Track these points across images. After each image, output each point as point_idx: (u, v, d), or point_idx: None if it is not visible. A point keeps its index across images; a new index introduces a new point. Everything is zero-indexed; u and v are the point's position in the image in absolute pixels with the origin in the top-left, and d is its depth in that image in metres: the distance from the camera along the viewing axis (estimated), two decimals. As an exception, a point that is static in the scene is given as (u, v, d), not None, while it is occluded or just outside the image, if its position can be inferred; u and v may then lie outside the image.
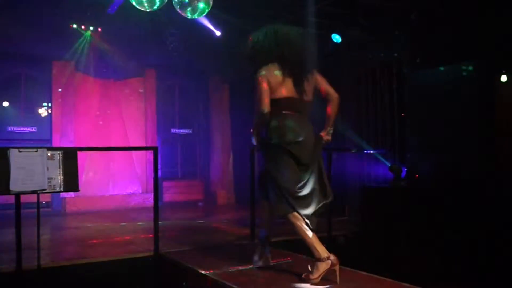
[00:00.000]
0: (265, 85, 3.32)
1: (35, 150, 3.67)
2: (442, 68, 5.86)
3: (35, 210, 3.71)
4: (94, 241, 5.27)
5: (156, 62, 9.12)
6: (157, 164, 4.45)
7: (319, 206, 3.46)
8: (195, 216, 7.53)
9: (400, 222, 5.43)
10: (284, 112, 3.37)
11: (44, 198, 7.74)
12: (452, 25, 5.66)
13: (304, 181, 3.38)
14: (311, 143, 3.44)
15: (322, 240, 5.12)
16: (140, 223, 6.69)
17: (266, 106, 3.31)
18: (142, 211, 8.10)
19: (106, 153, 8.66)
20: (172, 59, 8.22)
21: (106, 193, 8.64)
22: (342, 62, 7.27)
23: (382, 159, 6.66)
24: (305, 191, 3.38)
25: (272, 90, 3.34)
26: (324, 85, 3.53)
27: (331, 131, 3.63)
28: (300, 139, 3.35)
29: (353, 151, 6.98)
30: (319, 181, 3.45)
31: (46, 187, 3.65)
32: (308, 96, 3.48)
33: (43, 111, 8.54)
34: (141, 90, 9.30)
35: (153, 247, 4.34)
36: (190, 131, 9.84)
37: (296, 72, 3.39)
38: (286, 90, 3.36)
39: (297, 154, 3.29)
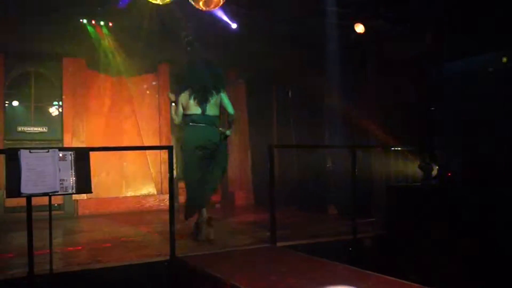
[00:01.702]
0: (180, 107, 5.36)
1: (46, 150, 3.71)
2: (474, 59, 5.75)
3: (47, 213, 3.74)
4: (108, 245, 5.33)
5: (169, 57, 9.15)
6: (172, 163, 4.46)
7: None
8: (212, 217, 7.53)
9: (430, 224, 5.35)
10: (190, 124, 5.30)
11: (56, 201, 7.84)
12: (484, 12, 5.54)
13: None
14: (210, 147, 5.27)
15: (347, 242, 5.18)
16: (155, 225, 6.72)
17: (176, 119, 5.40)
18: (157, 213, 8.15)
19: (119, 153, 8.72)
20: (186, 53, 8.23)
21: (119, 194, 8.71)
22: (365, 53, 7.20)
23: (410, 156, 6.58)
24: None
25: (184, 108, 5.34)
26: (224, 104, 5.44)
27: (229, 132, 5.51)
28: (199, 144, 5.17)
29: (378, 148, 6.90)
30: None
31: (58, 189, 3.68)
32: (212, 111, 5.33)
33: (53, 111, 8.64)
34: (154, 85, 9.35)
35: (169, 251, 4.35)
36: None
37: (198, 95, 5.29)
38: (192, 108, 5.30)
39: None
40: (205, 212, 5.34)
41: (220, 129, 5.46)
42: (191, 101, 5.28)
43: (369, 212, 6.68)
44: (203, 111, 5.28)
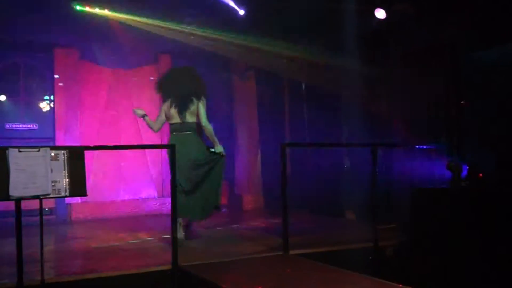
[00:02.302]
0: (161, 114, 5.95)
1: (37, 149, 3.72)
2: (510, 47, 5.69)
3: (38, 217, 3.76)
4: (104, 252, 5.34)
5: (170, 47, 9.16)
6: (174, 164, 4.47)
7: None
8: (218, 223, 7.54)
9: (458, 230, 5.31)
10: (174, 133, 5.86)
11: (48, 204, 7.89)
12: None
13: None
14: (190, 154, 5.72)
15: (367, 251, 5.16)
16: (156, 231, 6.74)
17: (155, 127, 6.04)
18: (158, 218, 8.17)
19: (116, 152, 8.73)
20: (190, 44, 8.24)
21: (116, 198, 8.74)
22: (387, 41, 7.16)
23: (437, 155, 6.53)
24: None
25: (167, 117, 5.91)
26: (199, 113, 5.84)
27: (219, 148, 5.99)
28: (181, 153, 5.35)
29: (401, 146, 6.86)
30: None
31: (50, 191, 3.69)
32: (191, 119, 5.84)
33: (44, 106, 8.69)
34: (154, 79, 9.37)
35: (171, 259, 4.35)
36: (211, 126, 9.87)
37: (177, 104, 5.82)
38: (174, 117, 5.84)
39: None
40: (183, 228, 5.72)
41: (209, 147, 6.00)
42: (172, 110, 5.83)
43: (391, 217, 6.65)
44: (182, 119, 5.81)
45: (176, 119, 5.83)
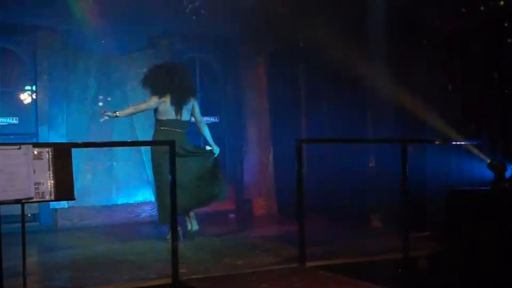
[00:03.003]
0: (149, 104, 6.62)
1: (18, 147, 3.75)
2: None
3: (19, 224, 3.79)
4: (94, 264, 5.36)
5: (170, 30, 9.17)
6: (174, 162, 4.48)
7: None
8: (224, 231, 7.56)
9: (502, 238, 5.29)
10: (162, 128, 6.54)
11: (30, 210, 7.90)
12: None
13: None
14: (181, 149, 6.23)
15: (396, 263, 5.15)
16: (153, 240, 6.76)
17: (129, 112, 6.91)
18: (156, 225, 8.18)
19: (107, 150, 8.75)
20: (191, 24, 8.24)
21: (108, 202, 8.75)
22: (418, 19, 7.12)
23: (477, 152, 6.51)
24: None
25: (159, 112, 6.55)
26: (196, 113, 6.78)
27: (216, 148, 6.86)
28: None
29: (436, 142, 6.84)
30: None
31: (32, 195, 3.73)
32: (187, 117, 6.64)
33: (25, 97, 8.73)
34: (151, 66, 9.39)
35: (171, 272, 4.35)
36: (216, 120, 9.87)
37: (177, 101, 6.50)
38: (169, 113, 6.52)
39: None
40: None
41: (207, 147, 6.87)
42: (169, 106, 6.49)
43: (423, 224, 6.64)
44: (180, 116, 6.55)
45: (172, 116, 6.52)
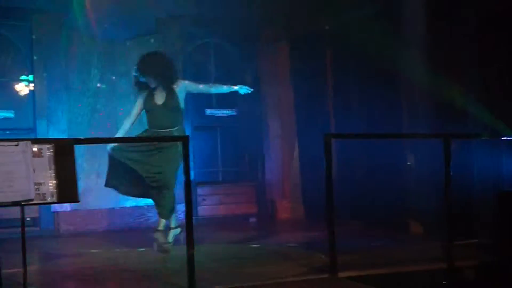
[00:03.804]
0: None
1: (15, 143, 3.78)
2: None
3: (18, 229, 3.81)
4: (100, 273, 5.39)
5: (180, 12, 9.19)
6: (188, 162, 4.48)
7: None
8: (245, 237, 7.57)
9: None
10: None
11: (29, 213, 7.97)
12: None
13: None
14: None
15: (439, 274, 5.11)
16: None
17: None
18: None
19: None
20: (203, 6, 8.25)
21: (115, 205, 8.79)
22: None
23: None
24: None
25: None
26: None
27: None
28: None
29: (483, 137, 6.77)
30: None
31: (33, 196, 3.74)
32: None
33: (22, 88, 8.78)
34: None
35: (187, 284, 4.36)
36: (234, 113, 9.89)
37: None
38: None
39: None
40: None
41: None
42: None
43: (470, 230, 6.59)
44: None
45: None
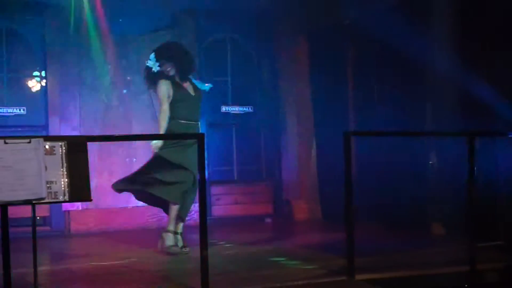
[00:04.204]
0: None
1: (27, 140, 3.80)
2: None
3: (28, 228, 3.84)
4: (112, 274, 5.44)
5: (195, 6, 9.21)
6: (203, 159, 4.50)
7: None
8: (260, 238, 7.58)
9: None
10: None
11: (40, 212, 8.04)
12: None
13: None
14: None
15: (461, 277, 5.09)
16: (179, 248, 6.82)
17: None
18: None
19: (126, 144, 8.84)
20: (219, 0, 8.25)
21: (127, 204, 8.83)
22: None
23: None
24: None
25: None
26: None
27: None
28: None
29: (510, 135, 6.73)
30: None
31: (44, 195, 3.76)
32: None
33: (34, 84, 8.85)
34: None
35: (200, 286, 4.38)
36: (250, 109, 9.89)
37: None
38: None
39: None
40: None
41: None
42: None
43: (494, 232, 6.56)
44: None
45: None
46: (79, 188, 3.89)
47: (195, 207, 8.47)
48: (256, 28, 9.74)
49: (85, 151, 4.01)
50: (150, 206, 8.88)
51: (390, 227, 7.98)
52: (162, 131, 6.42)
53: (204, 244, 4.43)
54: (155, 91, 6.62)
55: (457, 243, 6.01)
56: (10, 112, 8.51)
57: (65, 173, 3.87)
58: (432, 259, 5.78)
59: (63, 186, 3.85)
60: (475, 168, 5.33)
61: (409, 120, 7.90)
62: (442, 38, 7.27)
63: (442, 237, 7.24)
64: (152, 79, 6.63)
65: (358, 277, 4.89)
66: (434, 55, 7.45)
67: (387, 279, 4.96)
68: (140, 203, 8.86)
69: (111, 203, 8.69)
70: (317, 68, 9.67)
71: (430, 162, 7.81)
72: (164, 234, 6.39)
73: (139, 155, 8.99)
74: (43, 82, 8.79)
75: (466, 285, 5.08)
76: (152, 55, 6.69)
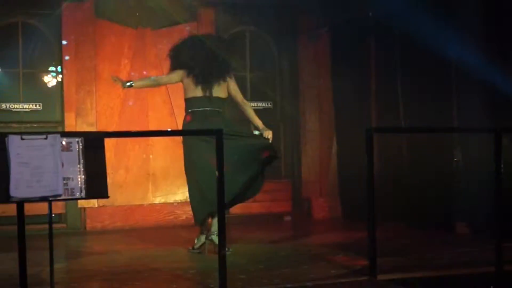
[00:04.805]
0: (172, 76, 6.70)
1: (44, 136, 3.83)
2: None
3: (43, 226, 3.87)
4: (129, 273, 5.46)
5: (215, -1, 9.25)
6: (222, 155, 4.51)
7: None
8: (279, 237, 7.59)
9: None
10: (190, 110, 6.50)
11: (55, 209, 8.10)
12: None
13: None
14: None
15: (487, 278, 5.07)
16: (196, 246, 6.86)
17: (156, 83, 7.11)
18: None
19: (143, 141, 8.87)
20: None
21: (144, 201, 8.88)
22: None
23: None
24: None
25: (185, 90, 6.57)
26: (233, 91, 6.66)
27: (267, 131, 6.55)
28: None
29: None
30: None
31: (61, 192, 3.79)
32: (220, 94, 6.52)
33: (50, 79, 8.92)
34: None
35: (218, 284, 4.40)
36: (269, 105, 9.90)
37: (203, 74, 6.43)
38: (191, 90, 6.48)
39: None
40: (214, 226, 6.17)
41: (255, 131, 6.88)
42: (192, 80, 6.45)
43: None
44: (210, 93, 6.45)
45: (199, 93, 6.44)
46: (96, 185, 3.92)
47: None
48: (277, 21, 9.73)
49: (102, 148, 4.03)
50: (166, 204, 8.98)
51: (413, 226, 7.96)
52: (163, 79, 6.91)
53: (222, 243, 4.44)
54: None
55: (482, 243, 5.98)
56: (26, 108, 8.60)
57: (82, 169, 3.90)
58: (456, 259, 5.76)
59: (79, 182, 3.88)
60: (502, 166, 5.29)
61: (433, 116, 7.86)
62: (470, 32, 7.21)
63: (466, 237, 7.20)
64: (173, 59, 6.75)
65: (380, 277, 4.88)
66: (461, 49, 7.39)
67: (410, 279, 4.94)
68: (157, 200, 8.98)
69: (127, 200, 8.75)
70: (339, 63, 9.64)
71: (455, 160, 7.77)
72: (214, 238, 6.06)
73: (156, 151, 9.06)
74: (59, 78, 8.86)
75: (491, 287, 5.05)
76: (189, 40, 6.78)
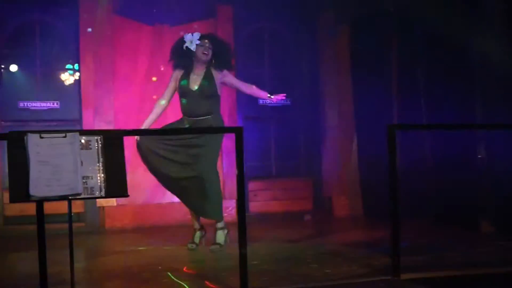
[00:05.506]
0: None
1: (63, 135, 3.86)
2: None
3: (62, 225, 3.90)
4: (149, 272, 5.50)
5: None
6: (242, 153, 4.52)
7: None
8: (300, 236, 7.58)
9: None
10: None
11: (74, 208, 8.14)
12: None
13: None
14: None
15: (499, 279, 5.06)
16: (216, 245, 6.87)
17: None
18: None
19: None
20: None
21: (162, 200, 8.90)
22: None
23: None
24: None
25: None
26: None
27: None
28: None
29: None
30: None
31: (80, 190, 3.82)
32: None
33: (67, 77, 8.96)
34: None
35: (239, 284, 4.41)
36: (288, 102, 9.88)
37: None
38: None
39: None
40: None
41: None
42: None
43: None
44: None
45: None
46: (116, 184, 3.94)
47: (232, 203, 8.62)
48: (296, 17, 9.71)
49: (121, 146, 4.06)
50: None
51: (437, 224, 7.95)
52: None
53: (243, 242, 4.45)
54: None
55: (508, 241, 5.95)
56: (43, 106, 8.65)
57: (101, 168, 3.93)
58: (480, 258, 5.75)
59: (99, 181, 3.91)
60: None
61: (457, 112, 7.82)
62: (495, 26, 7.17)
63: (491, 236, 7.16)
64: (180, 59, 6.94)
65: (404, 276, 4.88)
66: (485, 44, 7.35)
67: (434, 279, 4.93)
68: (176, 199, 8.99)
69: (146, 199, 8.79)
70: (359, 59, 9.60)
71: (479, 156, 7.72)
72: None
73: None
74: (77, 75, 8.90)
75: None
76: (197, 34, 6.91)
